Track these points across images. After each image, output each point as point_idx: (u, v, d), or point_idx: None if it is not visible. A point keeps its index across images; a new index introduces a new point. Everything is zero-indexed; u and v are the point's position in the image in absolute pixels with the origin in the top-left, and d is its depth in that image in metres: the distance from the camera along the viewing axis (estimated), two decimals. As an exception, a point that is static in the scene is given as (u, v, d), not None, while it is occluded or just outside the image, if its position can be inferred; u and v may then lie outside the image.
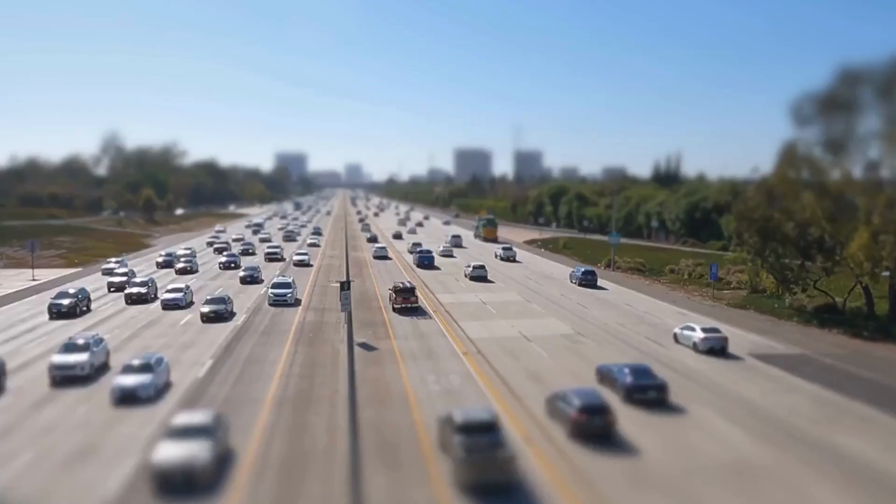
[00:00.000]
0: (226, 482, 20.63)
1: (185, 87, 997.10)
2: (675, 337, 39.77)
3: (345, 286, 41.09)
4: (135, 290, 52.95)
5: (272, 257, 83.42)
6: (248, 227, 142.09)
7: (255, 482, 20.83)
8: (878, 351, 38.96)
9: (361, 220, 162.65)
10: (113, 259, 77.74)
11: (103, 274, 67.76)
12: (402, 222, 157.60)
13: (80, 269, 76.90)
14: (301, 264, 77.13)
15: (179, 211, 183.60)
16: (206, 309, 45.38)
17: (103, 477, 21.02)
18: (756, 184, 54.07)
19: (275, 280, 55.92)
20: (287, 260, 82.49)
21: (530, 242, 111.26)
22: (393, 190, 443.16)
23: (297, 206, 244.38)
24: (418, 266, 76.36)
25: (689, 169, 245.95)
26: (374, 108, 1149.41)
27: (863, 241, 42.67)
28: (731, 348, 37.60)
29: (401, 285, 50.01)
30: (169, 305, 49.50)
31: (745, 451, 23.53)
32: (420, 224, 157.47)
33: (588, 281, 62.33)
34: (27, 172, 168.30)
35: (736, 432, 25.34)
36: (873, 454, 23.23)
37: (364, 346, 38.27)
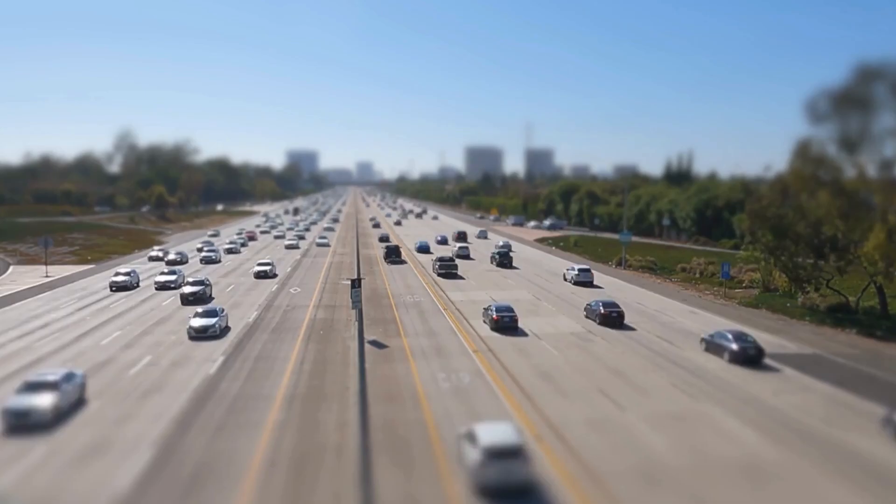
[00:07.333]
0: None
1: (199, 86, 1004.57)
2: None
3: (355, 284, 41.22)
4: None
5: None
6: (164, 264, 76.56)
7: (266, 477, 20.94)
8: (891, 351, 38.61)
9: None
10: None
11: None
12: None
13: (92, 265, 77.52)
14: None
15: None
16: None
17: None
18: (770, 181, 53.65)
19: None
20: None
21: (541, 241, 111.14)
22: (403, 187, 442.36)
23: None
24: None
25: (701, 167, 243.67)
26: (386, 106, 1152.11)
27: (879, 240, 42.30)
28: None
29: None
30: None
31: (756, 451, 23.39)
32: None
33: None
34: (41, 170, 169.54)
35: (747, 432, 25.20)
36: (885, 454, 23.04)
37: (375, 343, 38.35)
